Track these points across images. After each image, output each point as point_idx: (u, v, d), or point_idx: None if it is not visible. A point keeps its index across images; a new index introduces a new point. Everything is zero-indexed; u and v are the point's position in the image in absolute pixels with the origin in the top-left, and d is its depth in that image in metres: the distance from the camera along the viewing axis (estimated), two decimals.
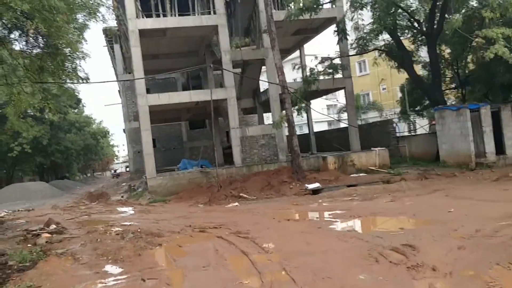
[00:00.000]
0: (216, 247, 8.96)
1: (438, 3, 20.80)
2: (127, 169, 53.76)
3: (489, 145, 19.34)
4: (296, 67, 25.77)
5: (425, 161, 22.13)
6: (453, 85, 25.01)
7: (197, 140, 33.66)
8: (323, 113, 48.63)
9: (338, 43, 23.37)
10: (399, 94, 44.40)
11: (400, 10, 22.03)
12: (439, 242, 7.74)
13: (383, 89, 45.89)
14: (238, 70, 25.72)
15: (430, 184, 15.66)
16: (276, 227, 10.56)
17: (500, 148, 19.59)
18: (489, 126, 19.39)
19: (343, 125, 25.74)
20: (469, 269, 6.15)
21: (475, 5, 21.57)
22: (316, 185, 17.05)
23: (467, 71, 23.98)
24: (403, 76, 27.93)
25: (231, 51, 22.36)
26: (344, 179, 18.95)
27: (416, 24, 22.86)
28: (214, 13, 22.28)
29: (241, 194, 17.51)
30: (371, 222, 10.57)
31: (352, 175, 19.82)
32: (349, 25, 23.07)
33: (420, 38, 23.77)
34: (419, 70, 25.37)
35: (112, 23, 29.15)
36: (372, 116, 39.05)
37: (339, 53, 23.87)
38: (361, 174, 19.99)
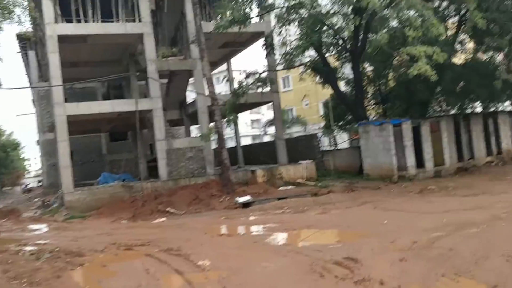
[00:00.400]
0: (146, 266, 8.26)
1: (361, 22, 21.54)
2: (40, 183, 50.22)
3: (410, 159, 20.17)
4: (224, 79, 25.54)
5: (349, 174, 22.62)
6: (374, 101, 25.97)
7: (118, 152, 32.08)
8: (248, 127, 48.78)
9: (266, 57, 23.44)
10: (321, 110, 45.89)
11: (325, 28, 22.55)
12: (380, 254, 7.65)
13: (306, 104, 46.99)
14: (165, 81, 24.95)
15: (358, 197, 15.91)
16: (210, 243, 10.04)
17: (420, 162, 20.49)
18: (410, 141, 20.24)
19: (267, 139, 26.14)
20: (417, 282, 6.07)
21: (395, 25, 22.68)
22: (246, 198, 16.71)
23: (388, 88, 25.02)
24: (326, 92, 28.64)
25: (158, 61, 21.60)
26: (273, 192, 18.82)
27: (341, 42, 23.51)
28: (140, 21, 21.44)
29: (168, 209, 16.73)
30: (307, 235, 10.37)
31: (280, 188, 19.74)
32: (277, 39, 23.26)
33: (344, 55, 24.48)
34: (342, 86, 26.09)
35: (28, 27, 27.18)
36: (296, 131, 39.72)
37: (267, 67, 23.93)
38: (289, 187, 19.97)
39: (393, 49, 19.00)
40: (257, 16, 22.99)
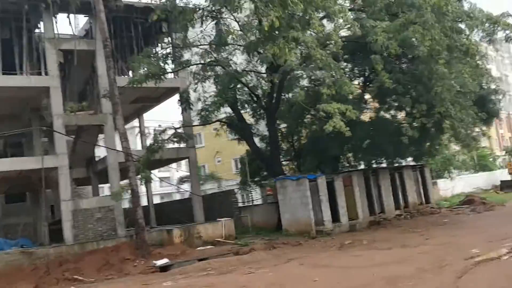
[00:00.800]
0: None
1: (276, 81, 22.17)
2: None
3: (326, 213, 20.43)
4: (137, 135, 24.59)
5: (267, 231, 22.34)
6: (288, 157, 26.41)
7: (14, 216, 29.00)
8: (158, 185, 47.08)
9: (182, 113, 23.07)
10: (234, 167, 45.89)
11: (241, 85, 22.88)
12: None
13: (218, 161, 46.78)
14: (71, 138, 23.41)
15: (281, 254, 15.59)
16: None
17: (335, 216, 20.83)
18: (325, 195, 20.60)
19: (178, 197, 25.17)
20: None
21: (306, 84, 23.67)
22: (164, 261, 15.63)
23: (300, 145, 25.63)
24: (239, 149, 28.74)
25: (65, 115, 20.26)
26: (191, 252, 17.87)
27: (255, 99, 23.92)
28: (46, 74, 20.19)
29: (75, 277, 15.08)
30: None
31: (199, 248, 18.82)
32: (193, 95, 23.10)
33: (259, 112, 24.88)
34: (257, 142, 26.31)
35: None
36: (209, 188, 39.05)
37: (182, 122, 23.51)
38: (208, 247, 19.11)
39: (307, 106, 19.59)
40: (173, 72, 22.79)
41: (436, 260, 10.92)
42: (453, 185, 35.56)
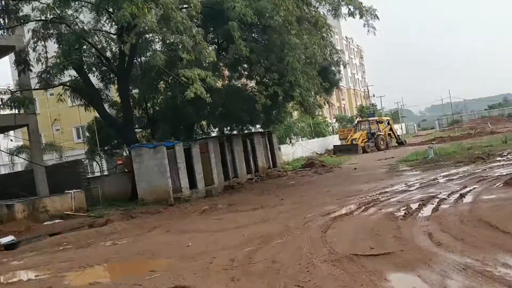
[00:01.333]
0: None
1: (129, 43, 21.00)
2: None
3: (184, 181, 20.40)
4: None
5: (120, 201, 21.43)
6: (141, 125, 25.48)
7: None
8: None
9: (19, 75, 20.49)
10: (75, 135, 42.80)
11: (88, 46, 21.18)
12: (208, 277, 7.27)
13: (57, 129, 43.16)
14: None
15: (142, 223, 15.15)
16: None
17: (192, 183, 20.92)
18: (183, 163, 20.50)
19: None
20: None
21: (158, 48, 22.93)
22: (9, 238, 13.95)
23: (155, 111, 24.87)
24: (83, 115, 26.88)
25: None
26: (38, 228, 16.28)
27: (105, 62, 22.40)
28: None
29: None
30: (113, 269, 9.20)
31: (46, 223, 17.21)
32: (33, 55, 20.64)
33: (109, 77, 23.40)
34: (107, 109, 24.80)
35: None
36: (48, 159, 35.80)
37: (19, 85, 20.94)
38: (57, 221, 17.61)
39: (164, 71, 19.02)
40: (6, 28, 20.00)
41: (297, 218, 11.70)
42: (293, 150, 38.40)
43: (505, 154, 20.57)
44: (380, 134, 41.23)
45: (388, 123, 44.20)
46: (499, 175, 13.85)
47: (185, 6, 17.42)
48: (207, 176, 21.89)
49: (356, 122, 46.15)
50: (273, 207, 14.60)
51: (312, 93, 21.20)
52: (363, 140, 39.90)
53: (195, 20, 17.03)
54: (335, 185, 18.32)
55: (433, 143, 27.06)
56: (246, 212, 14.40)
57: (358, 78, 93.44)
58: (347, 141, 40.93)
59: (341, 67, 21.93)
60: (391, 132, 43.78)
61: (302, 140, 41.92)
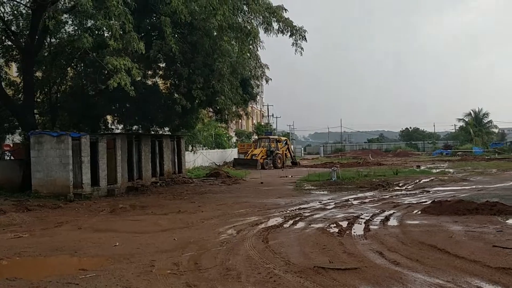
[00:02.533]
0: None
1: (42, 19, 19.13)
2: None
3: (86, 176, 18.88)
4: None
5: (7, 191, 19.18)
6: (40, 110, 23.16)
7: None
8: None
9: None
10: None
11: None
12: (158, 281, 6.62)
13: None
14: None
15: (43, 216, 13.71)
16: None
17: (94, 179, 19.46)
18: (87, 157, 18.99)
19: None
20: None
21: (71, 31, 21.28)
22: None
23: (57, 98, 22.82)
24: None
25: None
26: None
27: (11, 36, 20.12)
28: None
29: None
30: (32, 264, 8.00)
31: None
32: None
33: (12, 53, 21.04)
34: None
35: None
36: None
37: None
38: None
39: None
40: None
41: (225, 226, 11.34)
42: (195, 159, 37.83)
43: (401, 184, 22.16)
44: (278, 153, 42.34)
45: (286, 143, 45.65)
46: (409, 203, 14.77)
47: None
48: (110, 174, 20.52)
49: (257, 138, 46.94)
50: (193, 213, 14.02)
51: (233, 102, 21.07)
52: (262, 156, 40.64)
53: (127, 9, 15.98)
54: (249, 197, 18.21)
55: (336, 167, 28.35)
56: (165, 216, 13.63)
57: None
58: (247, 156, 41.35)
59: (264, 81, 22.19)
60: (287, 152, 45.23)
61: (203, 149, 41.45)
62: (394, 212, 12.71)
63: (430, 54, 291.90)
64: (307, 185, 23.29)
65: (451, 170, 33.18)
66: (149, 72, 23.74)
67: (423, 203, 14.37)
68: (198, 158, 38.66)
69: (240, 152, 47.10)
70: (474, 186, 19.91)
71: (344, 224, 11.14)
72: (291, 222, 11.78)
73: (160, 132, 26.35)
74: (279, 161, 41.86)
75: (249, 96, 23.25)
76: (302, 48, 19.76)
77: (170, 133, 26.65)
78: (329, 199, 16.87)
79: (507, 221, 10.45)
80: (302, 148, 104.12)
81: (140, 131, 25.25)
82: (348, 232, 10.13)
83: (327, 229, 10.49)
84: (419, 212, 12.41)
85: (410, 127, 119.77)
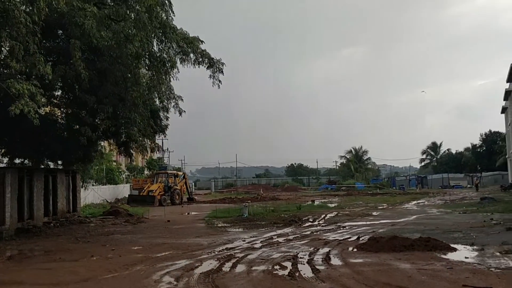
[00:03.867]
0: None
1: None
2: None
3: None
4: None
5: None
6: None
7: None
8: None
9: None
10: None
11: None
12: None
13: None
14: None
15: None
16: None
17: None
18: None
19: None
20: None
21: None
22: None
23: None
24: None
25: None
26: None
27: None
28: None
29: None
30: None
31: None
32: None
33: None
34: None
35: None
36: None
37: None
38: None
39: None
40: None
41: (160, 272, 10.10)
42: (86, 195, 34.82)
43: (311, 219, 22.29)
44: (176, 189, 40.89)
45: (184, 178, 44.34)
46: (336, 239, 14.65)
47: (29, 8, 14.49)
48: None
49: (155, 173, 44.86)
50: (110, 258, 12.38)
51: (144, 134, 19.72)
52: (160, 192, 38.85)
53: (35, 27, 14.18)
54: (165, 237, 16.80)
55: (248, 202, 27.84)
56: (76, 262, 11.84)
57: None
58: (144, 192, 39.21)
59: (177, 113, 21.10)
60: (184, 187, 43.88)
61: (94, 185, 38.39)
62: (329, 250, 12.43)
63: (310, 95, 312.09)
64: (218, 222, 22.40)
65: (346, 205, 34.57)
66: (43, 100, 21.41)
67: (350, 240, 14.38)
68: (89, 194, 35.64)
69: (135, 188, 44.60)
70: (383, 221, 20.66)
71: (288, 265, 10.55)
72: (229, 264, 10.87)
73: (52, 166, 23.72)
74: (177, 197, 40.39)
75: (159, 129, 22.01)
76: (220, 81, 19.30)
77: (63, 168, 24.11)
78: (251, 237, 16.19)
79: (447, 257, 10.69)
80: (193, 183, 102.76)
81: (30, 165, 22.45)
82: (298, 274, 9.54)
83: (274, 272, 9.81)
84: (355, 250, 12.28)
85: (295, 163, 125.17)
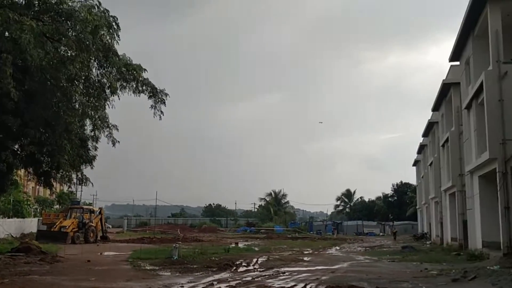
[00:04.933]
0: None
1: None
2: None
3: None
4: None
5: None
6: None
7: None
8: None
9: None
10: None
11: None
12: None
13: None
14: None
15: None
16: None
17: None
18: None
19: None
20: None
21: None
22: None
23: None
24: None
25: None
26: None
27: None
28: None
29: None
30: None
31: None
32: None
33: None
34: None
35: None
36: None
37: None
38: None
39: None
40: None
41: None
42: None
43: (245, 263, 21.35)
44: (91, 225, 38.01)
45: (100, 213, 41.42)
46: (283, 287, 13.89)
47: None
48: None
49: (68, 207, 41.31)
50: None
51: (71, 164, 17.95)
52: (73, 229, 35.78)
53: None
54: (91, 280, 14.95)
55: (178, 243, 26.22)
56: None
57: None
58: (55, 228, 35.86)
59: (110, 144, 19.50)
60: (100, 224, 40.94)
61: None
62: None
63: (229, 136, 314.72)
64: (145, 264, 20.66)
65: (272, 248, 34.01)
66: None
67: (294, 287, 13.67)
68: None
69: (44, 223, 40.79)
70: (320, 267, 20.22)
71: None
72: None
73: None
74: (91, 234, 37.49)
75: (87, 159, 20.20)
76: (162, 112, 18.27)
77: None
78: (189, 283, 14.90)
79: None
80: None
81: None
82: None
83: None
84: None
85: (213, 203, 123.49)
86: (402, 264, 22.38)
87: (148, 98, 18.11)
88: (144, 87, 17.94)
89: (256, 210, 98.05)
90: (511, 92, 19.76)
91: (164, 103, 18.49)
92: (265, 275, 17.05)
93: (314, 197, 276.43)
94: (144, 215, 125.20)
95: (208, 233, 66.44)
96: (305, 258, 25.29)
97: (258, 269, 19.23)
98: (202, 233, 66.73)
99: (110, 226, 74.78)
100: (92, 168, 20.85)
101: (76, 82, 16.36)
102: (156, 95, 18.05)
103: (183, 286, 14.15)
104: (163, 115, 18.18)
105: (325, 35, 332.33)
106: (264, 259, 24.10)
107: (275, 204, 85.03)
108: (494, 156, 19.86)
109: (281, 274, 17.34)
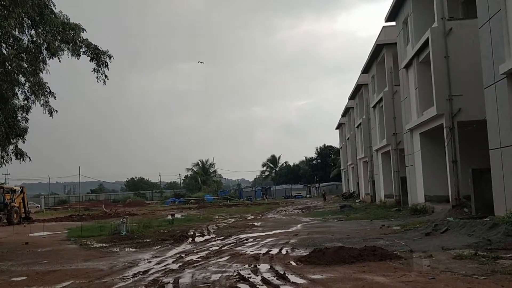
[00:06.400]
0: None
1: None
2: None
3: None
4: None
5: None
6: None
7: None
8: None
9: None
10: None
11: None
12: None
13: None
14: None
15: None
16: None
17: None
18: None
19: None
20: None
21: None
22: None
23: None
24: None
25: None
26: None
27: None
28: None
29: None
30: None
31: None
32: None
33: None
34: None
35: None
36: None
37: None
38: None
39: None
40: None
41: None
42: None
43: (198, 234, 20.58)
44: (14, 206, 34.99)
45: (22, 192, 38.14)
46: (260, 254, 13.26)
47: None
48: None
49: None
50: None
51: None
52: None
53: None
54: (44, 264, 13.37)
55: (126, 217, 24.61)
56: None
57: None
58: None
59: (47, 113, 17.24)
60: (22, 204, 37.77)
61: None
62: (271, 266, 11.00)
63: (147, 106, 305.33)
64: (91, 242, 19.15)
65: (213, 217, 33.48)
66: None
67: (279, 253, 13.15)
68: None
69: None
70: (278, 231, 20.00)
71: (244, 287, 8.90)
72: None
73: None
74: (15, 215, 34.59)
75: (18, 132, 17.92)
76: (106, 76, 16.55)
77: None
78: (155, 257, 13.87)
79: (410, 266, 10.13)
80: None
81: None
82: None
83: None
84: (301, 264, 11.06)
85: (136, 177, 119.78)
86: (353, 222, 22.78)
87: (90, 60, 16.30)
88: (85, 49, 16.09)
89: (182, 181, 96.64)
90: (456, 48, 20.34)
91: (107, 66, 16.76)
92: (230, 243, 16.40)
93: (236, 165, 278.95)
94: (59, 193, 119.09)
95: (136, 207, 64.35)
96: (256, 223, 24.99)
97: (217, 238, 18.55)
98: (129, 207, 64.44)
99: (39, 205, 70.13)
100: (24, 142, 18.63)
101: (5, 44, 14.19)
102: (99, 57, 16.28)
103: (150, 261, 13.11)
104: (107, 79, 16.47)
105: (241, 4, 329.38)
106: (215, 228, 23.46)
107: (203, 174, 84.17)
108: (441, 111, 20.48)
109: (245, 241, 16.80)
